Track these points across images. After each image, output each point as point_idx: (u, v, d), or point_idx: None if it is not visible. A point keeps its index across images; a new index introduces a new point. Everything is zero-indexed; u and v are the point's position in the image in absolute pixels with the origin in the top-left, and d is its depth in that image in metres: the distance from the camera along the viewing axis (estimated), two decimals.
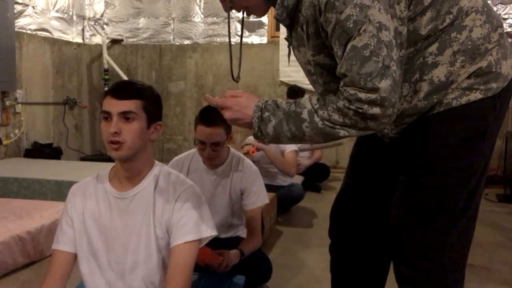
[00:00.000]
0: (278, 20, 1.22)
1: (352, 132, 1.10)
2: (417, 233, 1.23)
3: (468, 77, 1.16)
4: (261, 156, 3.63)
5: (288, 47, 1.36)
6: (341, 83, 1.09)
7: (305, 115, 1.11)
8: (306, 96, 1.16)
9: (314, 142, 1.16)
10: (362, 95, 1.04)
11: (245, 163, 2.21)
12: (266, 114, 1.14)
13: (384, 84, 1.03)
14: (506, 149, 4.69)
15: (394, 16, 1.08)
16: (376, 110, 1.04)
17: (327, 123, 1.09)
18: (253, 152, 3.28)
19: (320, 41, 1.16)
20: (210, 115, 2.01)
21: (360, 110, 1.05)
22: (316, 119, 1.10)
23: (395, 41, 1.07)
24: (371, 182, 1.43)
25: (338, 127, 1.09)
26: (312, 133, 1.11)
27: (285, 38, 1.36)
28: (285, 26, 1.26)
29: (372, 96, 1.04)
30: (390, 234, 1.30)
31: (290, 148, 3.64)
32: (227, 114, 1.17)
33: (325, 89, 1.25)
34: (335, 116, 1.08)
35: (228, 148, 2.22)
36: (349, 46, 1.06)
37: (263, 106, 1.15)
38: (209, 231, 1.40)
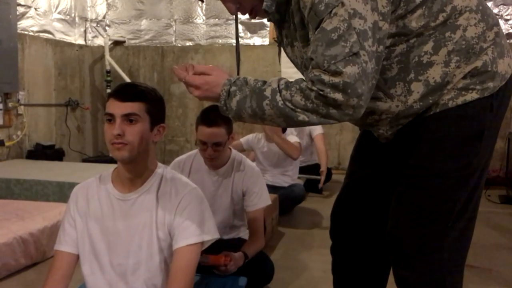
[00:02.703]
0: (267, 13, 1.20)
1: (313, 118, 1.07)
2: (415, 235, 1.22)
3: (464, 77, 1.15)
4: (268, 152, 3.76)
5: (278, 46, 1.35)
6: (309, 68, 1.07)
7: (267, 92, 1.10)
8: (277, 77, 1.15)
9: (276, 124, 1.13)
10: (325, 77, 1.02)
11: (247, 164, 2.21)
12: (233, 88, 1.13)
13: (350, 70, 1.01)
14: (509, 150, 4.66)
15: (375, 9, 1.06)
16: (338, 96, 1.02)
17: (288, 104, 1.07)
18: None
19: (305, 31, 1.15)
20: (211, 116, 2.01)
21: (321, 93, 1.03)
22: (278, 98, 1.08)
23: (372, 33, 1.04)
24: (371, 183, 1.43)
25: (298, 110, 1.07)
26: (272, 112, 1.09)
27: (274, 39, 1.35)
28: (275, 22, 1.25)
29: (335, 79, 1.01)
30: (388, 236, 1.29)
31: (294, 139, 3.73)
32: (196, 93, 1.16)
33: None
34: (297, 98, 1.06)
35: (230, 149, 2.22)
36: (318, 29, 1.04)
37: (233, 81, 1.14)
38: (211, 234, 1.41)
